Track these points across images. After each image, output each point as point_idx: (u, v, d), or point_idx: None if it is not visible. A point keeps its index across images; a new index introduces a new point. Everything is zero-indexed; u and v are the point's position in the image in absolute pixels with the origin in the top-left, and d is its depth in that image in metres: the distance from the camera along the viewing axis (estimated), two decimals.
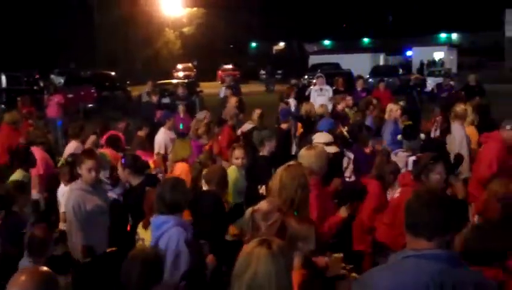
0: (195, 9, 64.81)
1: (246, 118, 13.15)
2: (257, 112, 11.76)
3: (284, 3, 76.40)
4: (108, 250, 6.19)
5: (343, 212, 5.82)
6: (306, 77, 36.77)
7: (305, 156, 6.05)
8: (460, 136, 9.64)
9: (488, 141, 8.25)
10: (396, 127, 11.26)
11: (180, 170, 8.27)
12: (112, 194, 7.56)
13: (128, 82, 39.62)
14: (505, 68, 51.49)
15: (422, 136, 9.82)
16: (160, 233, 5.01)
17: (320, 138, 8.20)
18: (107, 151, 8.73)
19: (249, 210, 4.83)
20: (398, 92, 24.32)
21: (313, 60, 52.31)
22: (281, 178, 5.36)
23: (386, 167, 7.45)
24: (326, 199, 6.06)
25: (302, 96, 17.54)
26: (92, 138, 9.95)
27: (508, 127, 8.06)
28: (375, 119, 11.98)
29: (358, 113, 11.99)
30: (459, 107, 10.08)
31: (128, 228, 6.60)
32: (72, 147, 9.86)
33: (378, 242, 6.33)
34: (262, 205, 4.79)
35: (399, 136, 10.94)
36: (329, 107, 14.44)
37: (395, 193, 6.38)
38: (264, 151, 8.47)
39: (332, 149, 7.80)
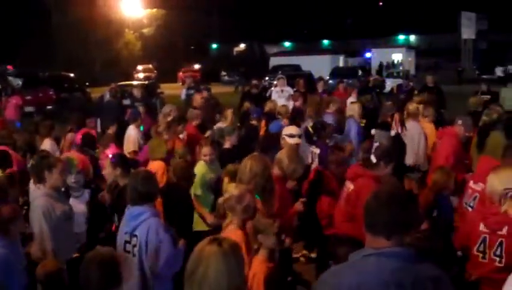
0: (155, 10, 64.37)
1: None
2: (229, 112, 12.16)
3: (245, 4, 76.51)
4: (74, 255, 6.12)
5: (299, 205, 6.32)
6: (267, 78, 36.83)
7: (284, 157, 6.43)
8: (417, 133, 10.23)
9: (444, 136, 8.87)
10: (359, 126, 11.59)
11: (156, 169, 8.23)
12: (80, 202, 7.44)
13: (87, 83, 39.18)
14: (462, 69, 52.49)
15: (392, 132, 10.25)
16: (137, 223, 5.26)
17: (289, 130, 8.84)
18: (74, 155, 8.63)
19: (221, 199, 5.13)
20: (357, 93, 24.53)
21: (274, 61, 52.34)
22: (251, 167, 5.72)
23: (330, 157, 7.91)
24: (287, 193, 6.50)
25: (263, 98, 17.63)
26: (70, 135, 10.00)
27: (459, 122, 8.70)
28: (338, 117, 12.34)
29: (312, 108, 12.24)
30: (412, 106, 10.75)
31: (114, 228, 6.57)
32: (47, 145, 9.99)
33: (338, 235, 6.46)
34: (233, 191, 5.10)
35: (373, 131, 11.27)
36: (290, 104, 14.74)
37: (348, 188, 6.48)
38: (227, 144, 9.22)
39: (294, 141, 8.38)
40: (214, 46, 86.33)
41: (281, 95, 16.95)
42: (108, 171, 7.21)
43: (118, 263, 4.36)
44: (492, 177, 5.14)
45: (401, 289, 2.99)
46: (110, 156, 7.64)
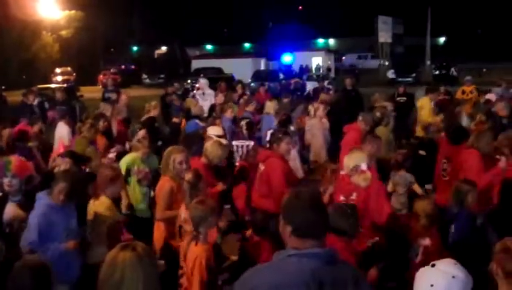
0: (73, 12, 62.95)
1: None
2: (153, 104, 12.73)
3: (166, 7, 76.03)
4: None
5: (220, 186, 7.54)
6: (189, 81, 36.84)
7: (208, 146, 7.72)
8: (317, 129, 11.93)
9: (349, 130, 9.95)
10: (272, 121, 12.39)
11: None
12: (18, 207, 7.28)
13: (3, 87, 38.00)
14: (380, 72, 53.87)
15: (292, 128, 11.25)
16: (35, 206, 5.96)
17: (213, 130, 9.60)
18: (12, 159, 8.50)
19: (185, 183, 6.03)
20: (278, 96, 24.89)
21: (196, 64, 52.38)
22: (175, 158, 6.85)
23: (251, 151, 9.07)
24: (211, 178, 7.54)
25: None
26: (7, 131, 10.26)
27: (360, 118, 9.89)
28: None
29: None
30: (313, 105, 12.61)
31: None
32: None
33: (257, 209, 7.67)
34: (188, 174, 6.14)
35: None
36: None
37: (260, 168, 7.70)
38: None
39: (222, 141, 8.96)
40: (135, 48, 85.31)
41: (203, 98, 17.06)
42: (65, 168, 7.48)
43: (49, 268, 4.31)
44: (346, 157, 6.73)
45: (321, 289, 3.04)
46: (60, 153, 7.77)
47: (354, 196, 6.43)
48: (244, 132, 10.41)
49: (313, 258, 3.07)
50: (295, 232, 3.16)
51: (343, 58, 71.44)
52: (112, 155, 9.36)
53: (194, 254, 4.94)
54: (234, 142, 10.35)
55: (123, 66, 60.76)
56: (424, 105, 13.15)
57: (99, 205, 6.10)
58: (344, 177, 6.74)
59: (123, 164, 8.11)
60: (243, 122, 10.66)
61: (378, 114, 10.93)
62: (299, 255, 3.10)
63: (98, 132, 10.51)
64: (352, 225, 5.18)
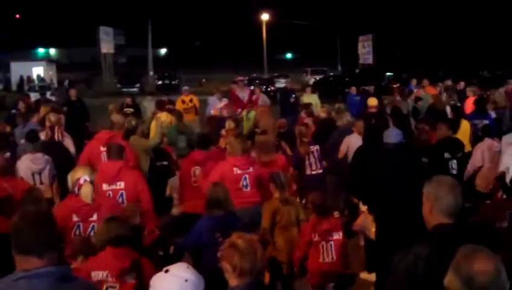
0: None
1: None
2: None
3: None
4: None
5: None
6: None
7: None
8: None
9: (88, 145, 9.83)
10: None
11: None
12: None
13: None
14: (104, 82, 53.74)
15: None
16: None
17: None
18: None
19: None
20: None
21: None
22: None
23: None
24: None
25: None
26: None
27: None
28: None
29: None
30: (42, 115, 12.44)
31: None
32: None
33: None
34: None
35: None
36: None
37: None
38: None
39: None
40: None
41: None
42: None
43: None
44: (72, 173, 6.07)
45: None
46: None
47: (94, 217, 5.80)
48: None
49: (43, 277, 2.97)
50: (19, 250, 3.05)
51: None
52: None
53: None
54: None
55: None
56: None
57: None
58: (73, 197, 6.00)
59: None
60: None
61: (133, 122, 10.93)
62: (27, 276, 2.96)
63: None
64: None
